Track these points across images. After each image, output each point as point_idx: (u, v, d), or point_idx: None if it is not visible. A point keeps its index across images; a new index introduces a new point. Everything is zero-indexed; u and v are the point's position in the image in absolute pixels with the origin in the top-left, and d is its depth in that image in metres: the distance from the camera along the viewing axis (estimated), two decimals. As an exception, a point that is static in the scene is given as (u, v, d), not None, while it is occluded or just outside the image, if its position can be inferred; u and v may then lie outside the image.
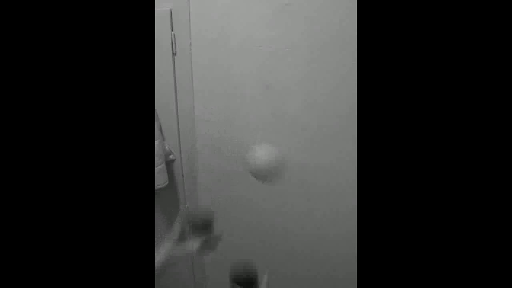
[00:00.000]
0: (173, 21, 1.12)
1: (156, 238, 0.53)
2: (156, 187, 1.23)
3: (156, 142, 1.19)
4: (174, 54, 1.15)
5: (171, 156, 1.30)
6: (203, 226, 0.77)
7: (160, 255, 0.68)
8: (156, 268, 0.65)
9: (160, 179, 1.24)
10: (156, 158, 1.20)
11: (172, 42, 1.14)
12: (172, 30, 1.13)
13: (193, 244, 0.74)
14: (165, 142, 1.28)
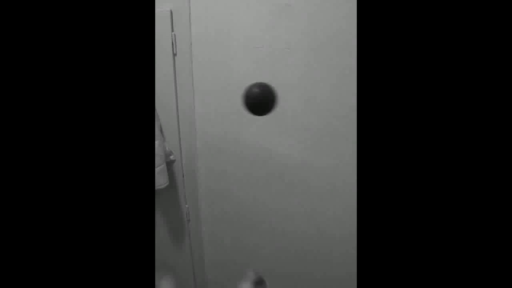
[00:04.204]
0: (173, 22, 1.12)
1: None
2: (157, 187, 1.23)
3: (157, 142, 1.19)
4: (174, 54, 1.16)
5: (171, 157, 1.30)
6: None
7: None
8: None
9: (161, 180, 1.24)
10: (157, 158, 1.20)
11: (172, 42, 1.14)
12: (172, 31, 1.13)
13: None
14: (165, 143, 1.28)
